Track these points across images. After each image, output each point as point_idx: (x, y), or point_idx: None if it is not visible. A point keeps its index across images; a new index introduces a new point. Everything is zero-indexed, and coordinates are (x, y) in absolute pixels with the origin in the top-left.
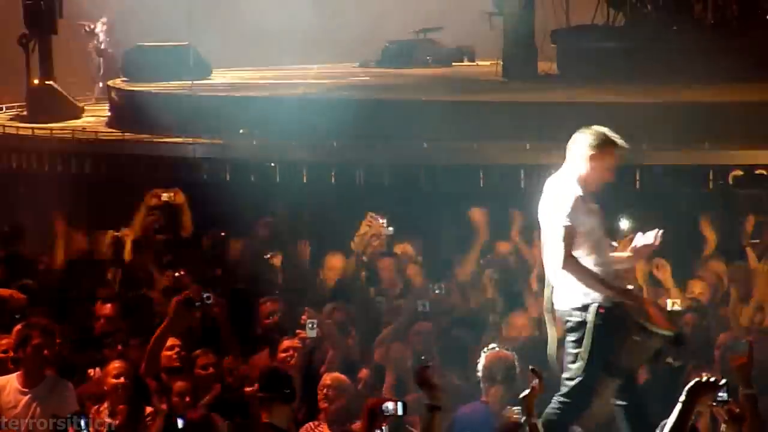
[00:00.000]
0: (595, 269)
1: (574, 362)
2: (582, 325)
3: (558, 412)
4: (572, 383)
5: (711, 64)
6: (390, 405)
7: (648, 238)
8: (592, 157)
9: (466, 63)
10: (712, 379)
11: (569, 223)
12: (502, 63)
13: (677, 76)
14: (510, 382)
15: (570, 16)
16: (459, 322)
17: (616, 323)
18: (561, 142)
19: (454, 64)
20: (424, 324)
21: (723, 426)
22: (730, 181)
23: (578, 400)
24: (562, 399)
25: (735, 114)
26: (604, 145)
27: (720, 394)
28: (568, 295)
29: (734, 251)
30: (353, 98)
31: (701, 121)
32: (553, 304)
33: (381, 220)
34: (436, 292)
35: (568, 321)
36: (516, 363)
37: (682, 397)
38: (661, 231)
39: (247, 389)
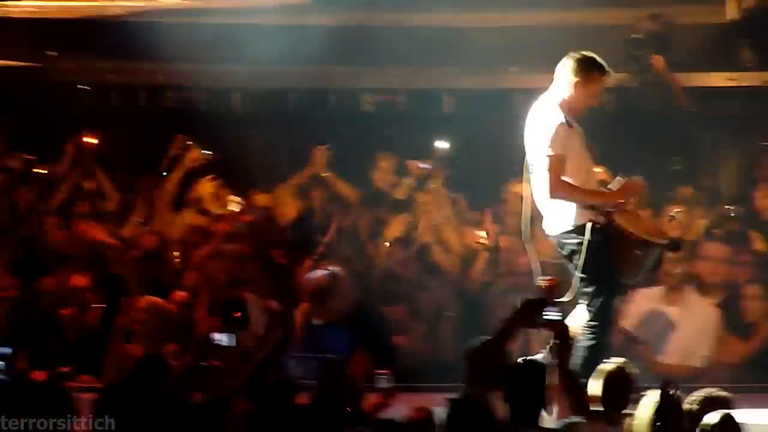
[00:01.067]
0: None
1: (587, 286)
2: (581, 246)
3: (592, 336)
4: (594, 306)
5: None
6: (218, 336)
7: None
8: (577, 83)
9: None
10: (537, 298)
11: (555, 153)
12: None
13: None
14: None
15: None
16: None
17: (615, 237)
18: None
19: None
20: (235, 246)
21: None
22: None
23: (606, 319)
24: (591, 323)
25: (540, 38)
26: (590, 70)
27: (547, 312)
28: (562, 220)
29: None
30: None
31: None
32: (531, 235)
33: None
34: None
35: (566, 245)
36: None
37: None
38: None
39: None
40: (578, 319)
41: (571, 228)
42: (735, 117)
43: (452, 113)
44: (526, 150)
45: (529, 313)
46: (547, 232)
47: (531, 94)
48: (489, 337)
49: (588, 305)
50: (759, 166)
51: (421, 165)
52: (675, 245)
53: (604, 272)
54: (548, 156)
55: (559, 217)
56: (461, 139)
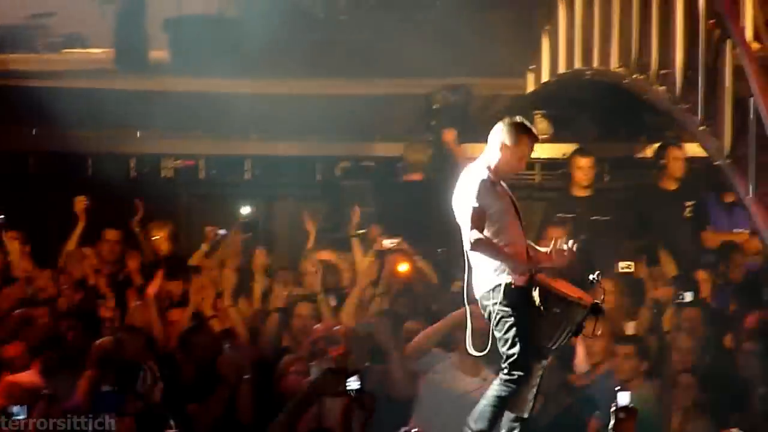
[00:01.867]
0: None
1: (503, 346)
2: (501, 306)
3: (503, 392)
4: (510, 366)
5: (321, 58)
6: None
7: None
8: (504, 147)
9: (78, 50)
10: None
11: (476, 205)
12: (114, 51)
13: (281, 69)
14: None
15: (182, 5)
16: None
17: (539, 300)
18: (176, 130)
19: (65, 51)
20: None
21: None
22: (337, 173)
23: (520, 380)
24: (505, 379)
25: (341, 107)
26: (518, 135)
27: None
28: (482, 280)
29: (342, 240)
30: None
31: (308, 112)
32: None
33: None
34: None
35: (485, 306)
36: None
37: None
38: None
39: None
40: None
41: (491, 288)
42: (533, 188)
43: (253, 179)
44: (456, 214)
45: (328, 383)
46: (475, 295)
47: (333, 160)
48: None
49: (505, 365)
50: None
51: (219, 231)
52: (597, 309)
53: (525, 333)
54: (470, 208)
55: (481, 278)
56: (262, 204)
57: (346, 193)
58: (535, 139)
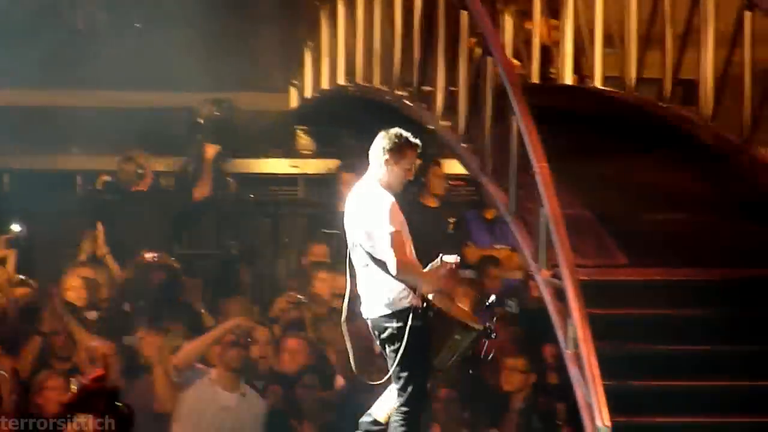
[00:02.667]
0: None
1: (402, 371)
2: (402, 330)
3: (402, 422)
4: (406, 391)
5: (83, 70)
6: None
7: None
8: (388, 161)
9: None
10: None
11: (395, 229)
12: None
13: (42, 79)
14: None
15: None
16: None
17: (435, 323)
18: None
19: None
20: None
21: None
22: (98, 187)
23: (417, 405)
24: (402, 409)
25: (105, 120)
26: (399, 147)
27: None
28: (383, 303)
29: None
30: None
31: (71, 124)
32: (348, 315)
33: None
34: None
35: (387, 329)
36: None
37: None
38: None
39: None
40: (387, 403)
41: (393, 311)
42: (297, 203)
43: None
44: (349, 234)
45: (83, 401)
46: (365, 315)
47: (93, 174)
48: None
49: (400, 389)
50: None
51: None
52: (490, 332)
53: (422, 357)
54: (389, 234)
55: (380, 300)
56: (22, 218)
57: (107, 207)
58: (417, 146)
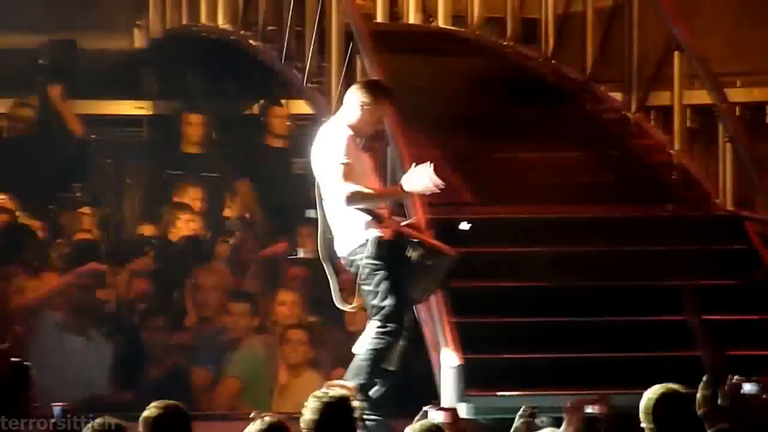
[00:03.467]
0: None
1: (373, 299)
2: (371, 262)
3: (374, 345)
4: (383, 319)
5: None
6: None
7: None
8: (364, 108)
9: None
10: None
11: (346, 161)
12: None
13: None
14: None
15: None
16: None
17: (401, 250)
18: None
19: None
20: None
21: None
22: None
23: (391, 332)
24: (378, 332)
25: None
26: (376, 96)
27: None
28: (348, 237)
29: None
30: None
31: None
32: (331, 253)
33: None
34: None
35: (353, 262)
36: None
37: None
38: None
39: None
40: (367, 335)
41: (360, 244)
42: (143, 144)
43: None
44: (315, 172)
45: None
46: (338, 254)
47: None
48: None
49: (375, 318)
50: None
51: None
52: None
53: (392, 286)
54: (338, 165)
55: (347, 235)
56: None
57: None
58: (392, 98)
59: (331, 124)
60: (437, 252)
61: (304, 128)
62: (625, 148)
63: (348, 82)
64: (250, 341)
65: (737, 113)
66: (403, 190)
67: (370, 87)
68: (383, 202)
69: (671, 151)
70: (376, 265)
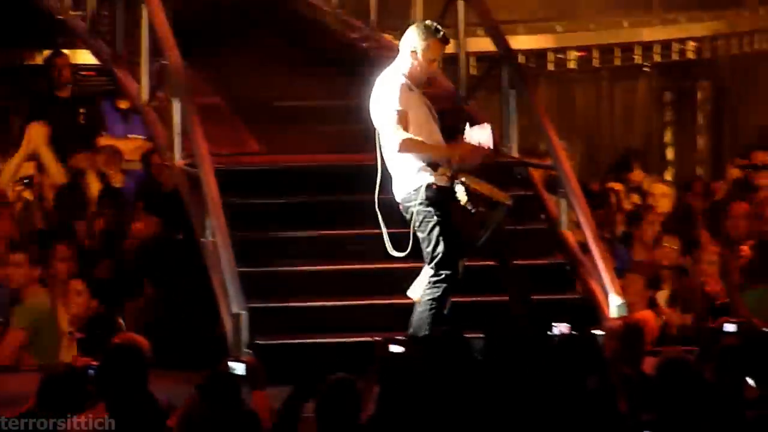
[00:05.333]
0: None
1: (428, 246)
2: (424, 207)
3: (431, 293)
4: (437, 265)
5: None
6: None
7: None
8: (415, 52)
9: None
10: None
11: (399, 108)
12: None
13: None
14: None
15: None
16: None
17: (454, 196)
18: None
19: None
20: None
21: None
22: None
23: (446, 279)
24: (433, 280)
25: None
26: (427, 38)
27: None
28: (403, 183)
29: None
30: None
31: None
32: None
33: None
34: None
35: (408, 208)
36: None
37: None
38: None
39: None
40: (421, 282)
41: (413, 189)
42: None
43: None
44: (372, 120)
45: None
46: (396, 199)
47: None
48: None
49: (432, 265)
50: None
51: None
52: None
53: (444, 233)
54: (392, 112)
55: (403, 181)
56: None
57: None
58: (444, 41)
59: (386, 72)
60: (492, 200)
61: (89, 78)
62: None
63: (133, 31)
64: (34, 292)
65: (519, 60)
66: (453, 149)
67: (419, 31)
68: (433, 156)
69: (458, 99)
70: (428, 211)
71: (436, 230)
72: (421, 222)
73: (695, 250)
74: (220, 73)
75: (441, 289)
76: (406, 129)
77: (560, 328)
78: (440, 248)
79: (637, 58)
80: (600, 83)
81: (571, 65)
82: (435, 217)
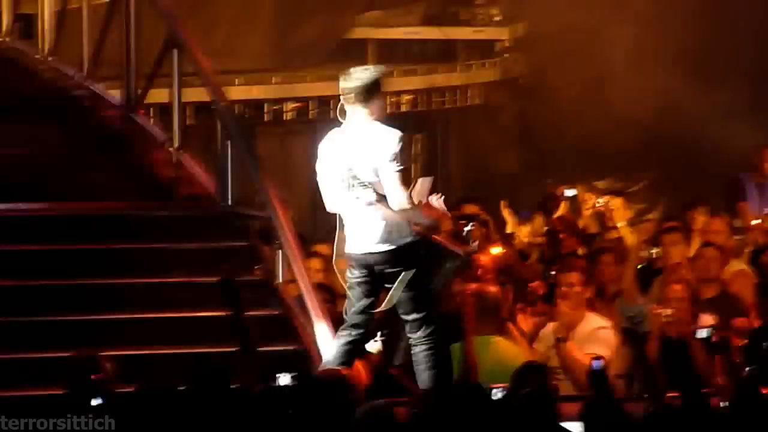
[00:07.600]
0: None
1: (415, 298)
2: (412, 262)
3: (431, 347)
4: (428, 318)
5: None
6: None
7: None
8: (381, 95)
9: None
10: None
11: (404, 167)
12: None
13: None
14: None
15: None
16: None
17: (431, 253)
18: None
19: None
20: None
21: None
22: None
23: (438, 327)
24: (428, 332)
25: None
26: (380, 78)
27: None
28: (391, 236)
29: None
30: None
31: None
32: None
33: None
34: None
35: (394, 262)
36: None
37: None
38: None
39: None
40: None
41: (404, 243)
42: None
43: None
44: (352, 167)
45: None
46: (361, 251)
47: None
48: None
49: (415, 320)
50: None
51: None
52: (469, 259)
53: (428, 284)
54: (398, 171)
55: (388, 234)
56: None
57: None
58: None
59: (358, 123)
60: (456, 255)
61: None
62: (123, 146)
63: None
64: None
65: (236, 111)
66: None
67: (374, 74)
68: (423, 216)
69: (170, 149)
70: (414, 265)
71: (424, 285)
72: (409, 277)
73: None
74: None
75: (438, 348)
76: (410, 186)
77: (285, 378)
78: (430, 305)
79: None
80: (317, 135)
81: (289, 116)
82: (422, 271)
